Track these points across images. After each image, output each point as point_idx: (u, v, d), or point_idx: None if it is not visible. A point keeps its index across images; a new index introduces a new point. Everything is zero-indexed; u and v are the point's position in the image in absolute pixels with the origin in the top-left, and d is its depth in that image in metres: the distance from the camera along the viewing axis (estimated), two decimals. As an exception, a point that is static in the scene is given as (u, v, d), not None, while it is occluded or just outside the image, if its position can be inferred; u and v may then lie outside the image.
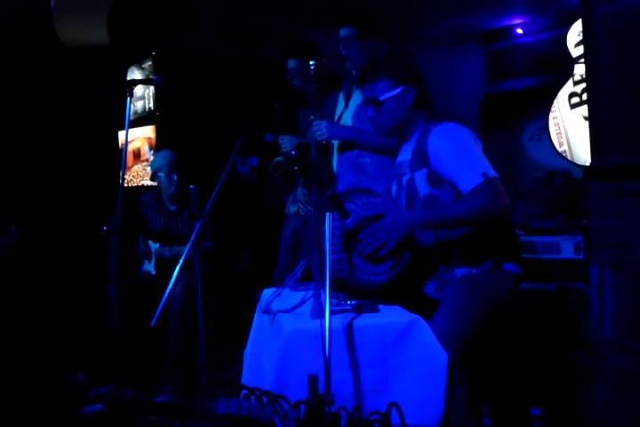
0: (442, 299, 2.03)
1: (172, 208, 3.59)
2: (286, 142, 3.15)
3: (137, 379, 2.89)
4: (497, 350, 2.03)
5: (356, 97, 2.96)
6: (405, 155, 2.17)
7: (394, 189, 2.25)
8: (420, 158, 2.06)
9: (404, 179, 2.15)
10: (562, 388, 2.42)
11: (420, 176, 2.06)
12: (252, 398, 1.50)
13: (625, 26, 2.36)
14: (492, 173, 1.92)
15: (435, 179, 2.02)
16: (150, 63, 4.94)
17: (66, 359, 3.25)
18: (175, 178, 3.50)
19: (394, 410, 1.43)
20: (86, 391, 2.52)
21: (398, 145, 2.32)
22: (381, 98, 2.11)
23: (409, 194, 2.11)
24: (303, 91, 2.99)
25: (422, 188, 2.06)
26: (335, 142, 2.97)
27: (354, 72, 2.99)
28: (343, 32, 2.93)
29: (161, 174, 3.54)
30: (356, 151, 2.89)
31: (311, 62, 2.91)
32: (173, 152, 3.63)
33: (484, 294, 1.99)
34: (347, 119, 2.98)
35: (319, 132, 2.81)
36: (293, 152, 3.10)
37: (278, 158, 3.19)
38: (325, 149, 3.01)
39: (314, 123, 2.85)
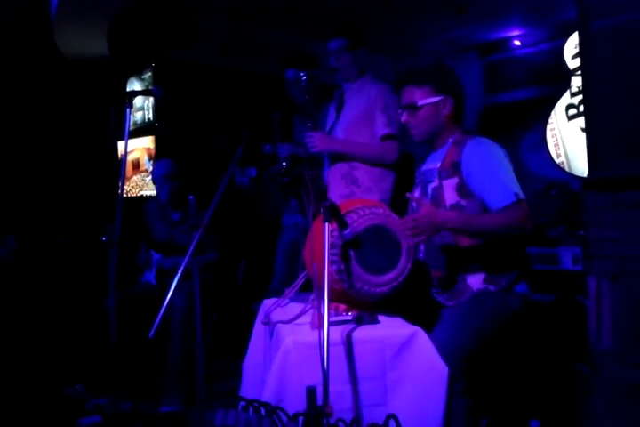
0: (451, 309, 2.03)
1: (175, 216, 3.61)
2: (285, 151, 3.14)
3: (135, 391, 2.88)
4: (496, 361, 2.02)
5: (348, 109, 2.96)
6: (434, 163, 2.16)
7: (416, 195, 2.23)
8: (452, 168, 2.06)
9: (430, 186, 2.14)
10: (561, 399, 2.41)
11: (450, 185, 2.06)
12: (251, 409, 1.49)
13: (620, 39, 2.39)
14: (522, 195, 1.94)
15: (465, 190, 2.03)
16: (150, 74, 4.96)
17: (64, 371, 3.24)
18: (167, 189, 3.54)
19: (392, 422, 1.42)
20: (84, 403, 2.51)
21: (425, 154, 2.30)
22: (420, 103, 2.12)
23: (434, 201, 2.11)
24: (300, 101, 2.99)
25: (450, 196, 2.06)
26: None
27: (344, 83, 3.00)
28: (333, 45, 2.94)
29: (157, 185, 3.59)
30: (348, 162, 2.88)
31: (302, 74, 2.92)
32: (170, 162, 3.64)
33: (492, 312, 1.99)
34: (338, 131, 2.96)
35: (311, 144, 2.80)
36: (284, 163, 3.10)
37: (277, 167, 3.19)
38: (317, 161, 3.00)
39: (306, 134, 2.85)
